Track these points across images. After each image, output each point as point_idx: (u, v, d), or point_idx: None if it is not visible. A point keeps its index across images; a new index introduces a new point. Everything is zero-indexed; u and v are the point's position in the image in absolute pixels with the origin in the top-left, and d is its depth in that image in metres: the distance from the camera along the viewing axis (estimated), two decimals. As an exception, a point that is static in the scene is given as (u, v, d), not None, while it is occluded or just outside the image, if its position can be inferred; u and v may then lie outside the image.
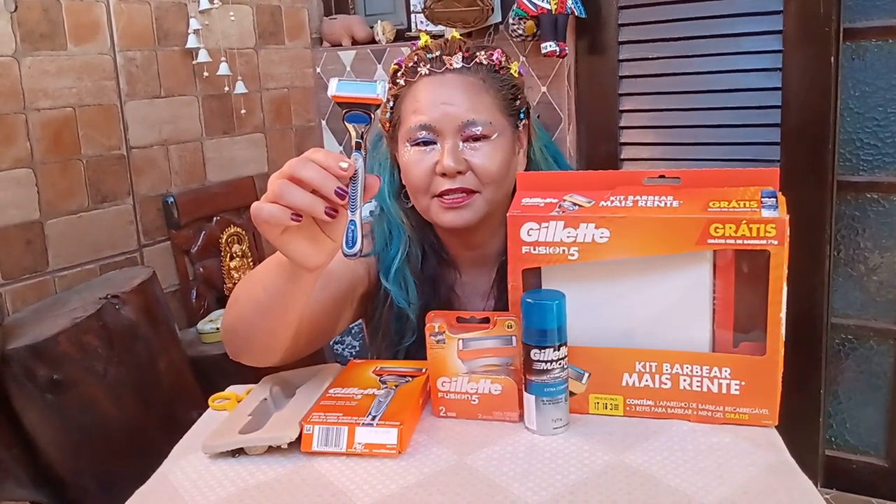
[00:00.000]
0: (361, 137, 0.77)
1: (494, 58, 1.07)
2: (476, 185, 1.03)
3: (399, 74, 1.08)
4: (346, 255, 0.76)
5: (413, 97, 1.05)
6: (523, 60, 2.38)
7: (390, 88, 1.08)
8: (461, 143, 1.03)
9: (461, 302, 1.14)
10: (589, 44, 2.36)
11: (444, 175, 1.02)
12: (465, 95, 1.03)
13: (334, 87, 0.77)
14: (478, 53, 1.07)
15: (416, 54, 1.07)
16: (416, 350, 1.06)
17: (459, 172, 1.02)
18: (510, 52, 2.35)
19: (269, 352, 0.93)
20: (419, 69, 1.05)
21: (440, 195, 1.03)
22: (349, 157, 0.75)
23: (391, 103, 1.08)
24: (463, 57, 1.05)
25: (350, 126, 0.77)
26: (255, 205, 0.74)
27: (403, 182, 1.10)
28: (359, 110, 0.77)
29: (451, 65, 1.04)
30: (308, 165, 0.73)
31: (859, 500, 2.21)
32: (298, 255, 0.78)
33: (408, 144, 1.05)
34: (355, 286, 1.09)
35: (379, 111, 0.79)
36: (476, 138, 1.03)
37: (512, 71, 1.10)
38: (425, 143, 1.03)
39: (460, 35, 1.14)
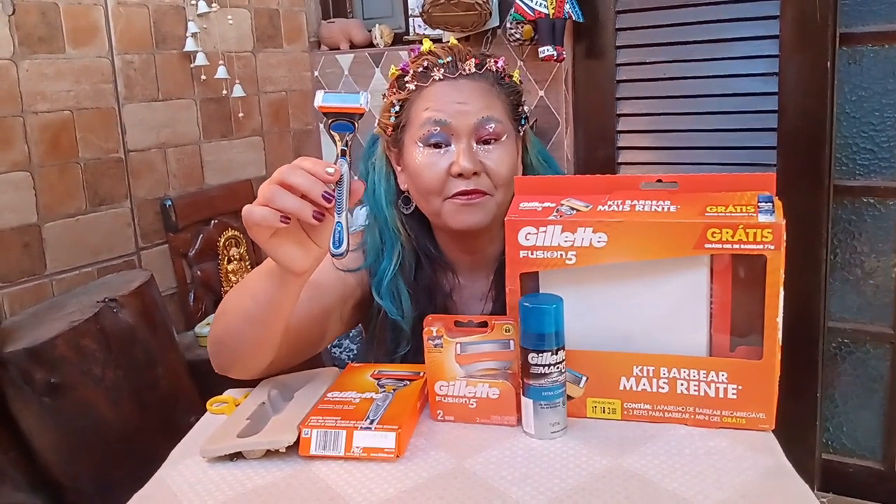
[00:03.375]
0: (346, 145, 0.81)
1: (500, 65, 1.09)
2: (489, 187, 1.03)
3: (408, 79, 1.08)
4: (333, 255, 0.80)
5: (426, 99, 1.05)
6: (521, 65, 2.38)
7: (397, 92, 1.08)
8: (475, 145, 1.03)
9: (458, 307, 1.15)
10: (586, 48, 2.37)
11: (460, 176, 1.02)
12: (478, 97, 1.04)
13: (320, 99, 0.82)
14: (487, 60, 1.08)
15: (427, 59, 1.07)
16: (413, 359, 1.07)
17: (475, 174, 1.02)
18: (508, 57, 2.36)
19: (255, 362, 0.95)
20: (432, 74, 1.05)
21: (454, 196, 1.03)
22: (335, 164, 0.79)
23: (396, 107, 1.08)
24: (475, 63, 1.06)
25: (336, 134, 0.82)
26: (246, 208, 0.79)
27: (404, 186, 1.10)
28: (344, 119, 0.82)
29: (465, 70, 1.05)
30: (297, 172, 0.78)
31: (856, 504, 2.22)
32: (287, 258, 0.82)
33: (420, 145, 1.04)
34: (346, 298, 1.09)
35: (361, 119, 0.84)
36: (488, 140, 1.04)
37: (515, 78, 1.11)
38: (437, 145, 1.03)
39: (458, 40, 1.14)
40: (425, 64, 1.07)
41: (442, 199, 1.04)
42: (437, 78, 1.05)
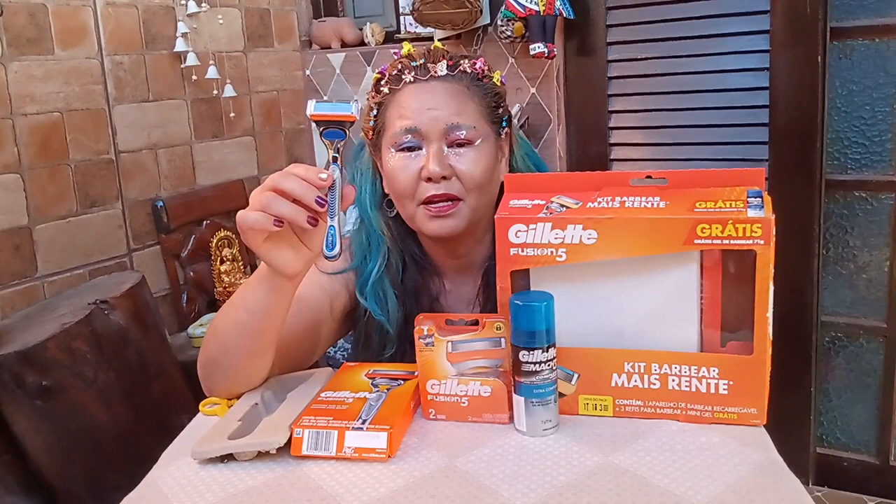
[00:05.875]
0: (338, 151, 0.84)
1: (478, 66, 1.08)
2: (460, 191, 1.03)
3: (383, 83, 1.08)
4: (326, 258, 0.83)
5: (398, 104, 1.05)
6: (512, 62, 2.38)
7: (374, 96, 1.09)
8: (446, 148, 1.03)
9: (445, 311, 1.14)
10: (577, 45, 2.37)
11: (429, 180, 1.02)
12: (449, 101, 1.03)
13: (312, 108, 0.85)
14: (462, 62, 1.07)
15: (401, 62, 1.07)
16: (400, 360, 1.07)
17: (444, 178, 1.01)
18: (499, 54, 2.37)
19: (249, 378, 0.95)
20: (403, 77, 1.05)
21: (426, 202, 1.03)
22: (327, 170, 0.82)
23: (375, 111, 1.08)
24: (447, 65, 1.05)
25: (327, 142, 0.84)
26: (240, 213, 0.81)
27: (387, 190, 1.10)
28: (335, 127, 0.84)
29: (435, 72, 1.04)
30: (290, 178, 0.80)
31: (851, 498, 2.22)
32: (280, 261, 0.84)
33: (393, 150, 1.04)
34: (333, 303, 1.09)
35: (352, 127, 0.85)
36: (461, 143, 1.03)
37: (494, 79, 1.09)
38: (410, 149, 1.03)
39: (446, 42, 1.14)
40: (399, 67, 1.06)
41: (415, 204, 1.04)
42: (408, 81, 1.05)
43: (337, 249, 0.83)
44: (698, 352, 0.85)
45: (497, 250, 0.86)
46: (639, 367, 0.84)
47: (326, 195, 0.81)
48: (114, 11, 2.15)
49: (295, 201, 0.80)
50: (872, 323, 2.15)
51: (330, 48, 2.73)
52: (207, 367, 0.96)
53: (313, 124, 0.85)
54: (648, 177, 0.87)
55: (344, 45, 2.71)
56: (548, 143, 2.40)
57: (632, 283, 0.85)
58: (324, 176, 0.81)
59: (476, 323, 0.87)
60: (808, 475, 2.23)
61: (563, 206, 0.85)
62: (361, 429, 0.81)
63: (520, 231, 0.84)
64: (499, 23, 2.29)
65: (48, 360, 1.57)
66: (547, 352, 0.81)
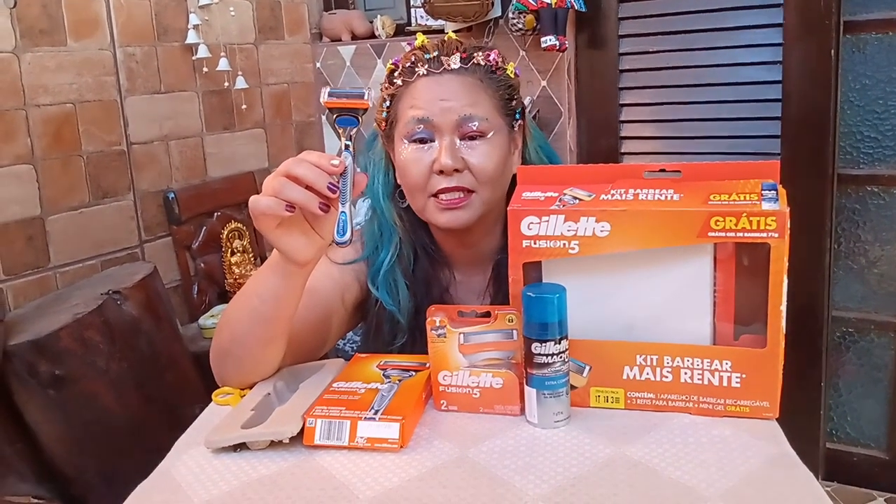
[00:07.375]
0: (350, 139, 0.85)
1: (491, 58, 1.07)
2: (472, 184, 1.03)
3: (396, 74, 1.08)
4: (337, 244, 0.83)
5: (411, 95, 1.05)
6: (523, 55, 2.38)
7: (387, 87, 1.09)
8: (458, 141, 1.03)
9: (455, 302, 1.15)
10: (589, 38, 2.36)
11: (441, 173, 1.02)
12: (462, 93, 1.03)
13: (326, 95, 0.85)
14: (475, 54, 1.07)
15: (414, 54, 1.07)
16: (409, 351, 1.07)
17: (457, 170, 1.02)
18: (510, 47, 2.37)
19: (261, 367, 0.95)
20: (417, 69, 1.05)
21: (437, 194, 1.03)
22: (339, 157, 0.83)
23: (388, 102, 1.08)
24: (461, 57, 1.05)
25: (340, 129, 0.85)
26: (252, 198, 0.82)
27: (399, 181, 1.10)
28: (348, 114, 0.85)
29: (448, 65, 1.05)
30: (302, 164, 0.81)
31: (860, 493, 2.22)
32: (291, 247, 0.84)
33: (405, 141, 1.04)
34: (344, 295, 1.10)
35: (365, 115, 0.86)
36: (473, 136, 1.03)
37: (508, 71, 1.09)
38: (422, 141, 1.03)
39: (457, 34, 1.13)
40: (412, 59, 1.06)
41: (426, 196, 1.04)
42: (421, 73, 1.05)
43: (348, 235, 0.83)
44: (711, 345, 0.85)
45: (510, 242, 0.86)
46: (651, 359, 0.84)
47: (338, 182, 0.81)
48: (126, 3, 2.16)
49: (308, 187, 0.80)
50: (884, 318, 2.14)
51: (340, 41, 2.73)
52: (220, 355, 0.97)
53: (325, 113, 0.86)
54: (662, 169, 0.87)
55: (354, 37, 2.71)
56: (558, 137, 2.40)
57: (645, 275, 0.85)
58: (336, 162, 0.81)
59: (488, 315, 0.87)
60: (817, 470, 2.23)
61: (576, 198, 0.85)
62: (374, 419, 0.82)
63: (532, 223, 0.84)
64: (510, 15, 2.28)
65: (61, 349, 1.58)
66: (559, 344, 0.81)
